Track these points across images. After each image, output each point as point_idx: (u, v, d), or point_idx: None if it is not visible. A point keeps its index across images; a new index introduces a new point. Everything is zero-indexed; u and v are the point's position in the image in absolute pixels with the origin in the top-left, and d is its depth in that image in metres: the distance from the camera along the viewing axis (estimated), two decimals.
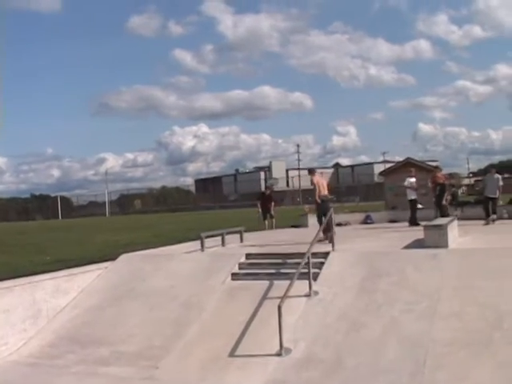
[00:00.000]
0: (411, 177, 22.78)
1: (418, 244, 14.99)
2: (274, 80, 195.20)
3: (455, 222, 16.55)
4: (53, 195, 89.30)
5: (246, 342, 11.41)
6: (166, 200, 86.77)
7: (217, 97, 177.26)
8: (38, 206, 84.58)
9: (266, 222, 24.96)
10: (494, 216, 21.77)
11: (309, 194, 70.03)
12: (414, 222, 22.19)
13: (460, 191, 52.57)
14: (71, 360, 11.89)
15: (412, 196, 22.57)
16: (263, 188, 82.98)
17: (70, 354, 12.15)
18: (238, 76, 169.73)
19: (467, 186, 79.37)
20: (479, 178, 27.67)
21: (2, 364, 11.91)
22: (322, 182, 19.02)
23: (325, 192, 18.60)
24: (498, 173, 23.07)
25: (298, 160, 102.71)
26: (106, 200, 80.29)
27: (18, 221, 63.99)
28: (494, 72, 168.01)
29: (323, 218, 17.07)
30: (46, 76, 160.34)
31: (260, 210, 25.53)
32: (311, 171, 19.30)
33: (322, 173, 21.04)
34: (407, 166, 27.77)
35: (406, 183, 22.85)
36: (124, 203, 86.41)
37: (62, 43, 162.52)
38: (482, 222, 21.57)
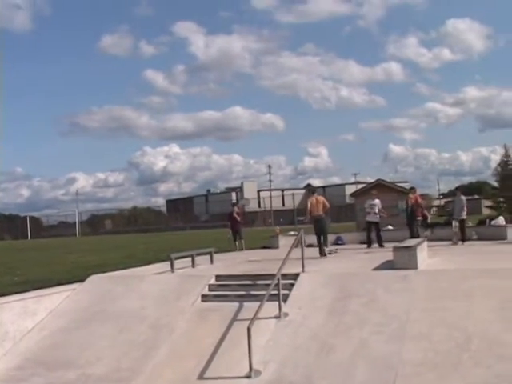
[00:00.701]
0: (372, 199, 22.83)
1: (388, 265, 15.02)
2: (246, 101, 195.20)
3: (425, 244, 16.64)
4: (22, 215, 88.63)
5: (215, 363, 11.34)
6: (137, 220, 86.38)
7: (189, 117, 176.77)
8: (6, 226, 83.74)
9: (237, 243, 24.85)
10: (460, 242, 21.98)
11: (280, 215, 70.12)
12: (369, 244, 22.42)
13: (430, 212, 52.90)
14: (38, 383, 11.71)
15: (371, 218, 22.61)
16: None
17: (37, 377, 11.97)
18: (210, 96, 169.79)
19: (437, 206, 79.97)
20: (450, 199, 27.91)
21: None
22: (315, 201, 20.21)
23: (317, 211, 20.01)
24: (463, 194, 23.26)
25: (270, 181, 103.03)
26: (77, 220, 79.79)
27: None
28: (464, 94, 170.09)
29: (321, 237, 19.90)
30: (16, 95, 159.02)
31: (230, 230, 25.42)
32: (310, 191, 21.82)
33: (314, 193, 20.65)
34: (378, 186, 27.93)
35: (365, 205, 22.99)
36: (95, 223, 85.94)
37: (33, 62, 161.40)
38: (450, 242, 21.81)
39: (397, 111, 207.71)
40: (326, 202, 20.67)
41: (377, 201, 22.73)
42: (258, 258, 20.14)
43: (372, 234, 22.71)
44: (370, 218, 22.64)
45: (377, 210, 22.53)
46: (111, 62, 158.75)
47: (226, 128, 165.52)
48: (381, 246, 21.91)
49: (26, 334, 13.72)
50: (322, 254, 19.70)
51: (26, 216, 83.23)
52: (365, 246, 22.96)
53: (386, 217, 23.03)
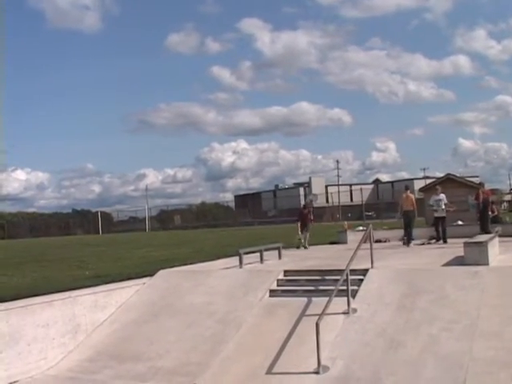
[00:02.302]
0: (437, 195, 22.51)
1: (458, 261, 14.82)
2: (313, 96, 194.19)
3: (496, 239, 16.34)
4: (94, 210, 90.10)
5: (283, 359, 11.35)
6: (205, 216, 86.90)
7: (255, 113, 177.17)
8: (79, 221, 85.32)
9: (301, 235, 24.58)
10: None
11: (348, 210, 69.72)
12: (438, 238, 22.16)
13: (502, 207, 51.94)
14: (109, 375, 11.94)
15: (439, 214, 22.31)
16: (302, 204, 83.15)
17: (108, 369, 12.20)
18: (277, 92, 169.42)
19: (509, 202, 78.41)
20: None
21: (42, 378, 12.03)
22: (405, 197, 23.16)
23: (406, 206, 22.86)
24: None
25: (338, 176, 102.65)
26: (146, 215, 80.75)
27: (59, 235, 64.66)
28: None
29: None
30: (86, 93, 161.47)
31: (299, 229, 25.03)
32: (405, 188, 24.59)
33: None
34: (447, 181, 27.52)
35: (431, 201, 22.70)
36: (164, 219, 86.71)
37: (102, 62, 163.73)
38: None
39: (466, 105, 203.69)
40: (414, 199, 23.30)
41: (442, 195, 22.42)
42: (326, 254, 20.09)
43: (439, 230, 22.45)
44: (437, 214, 22.37)
45: (443, 206, 22.23)
46: (178, 59, 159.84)
47: (293, 123, 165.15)
48: (445, 241, 21.65)
49: (97, 327, 14.00)
50: (407, 243, 22.53)
51: (97, 211, 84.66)
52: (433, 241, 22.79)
53: (452, 210, 22.67)
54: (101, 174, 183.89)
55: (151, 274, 16.36)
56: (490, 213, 23.06)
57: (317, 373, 10.69)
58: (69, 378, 12.00)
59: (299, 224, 24.52)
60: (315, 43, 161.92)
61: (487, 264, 13.91)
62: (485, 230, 20.84)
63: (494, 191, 33.69)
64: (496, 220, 25.33)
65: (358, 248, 14.05)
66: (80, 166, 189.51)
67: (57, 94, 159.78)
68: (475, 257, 14.10)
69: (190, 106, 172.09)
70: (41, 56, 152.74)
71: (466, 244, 14.83)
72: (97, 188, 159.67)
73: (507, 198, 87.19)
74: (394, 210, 61.61)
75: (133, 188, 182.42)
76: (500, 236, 18.23)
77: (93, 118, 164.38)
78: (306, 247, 23.91)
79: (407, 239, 22.78)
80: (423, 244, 22.66)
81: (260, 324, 12.97)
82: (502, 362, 10.08)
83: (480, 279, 13.01)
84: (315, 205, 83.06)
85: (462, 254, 14.71)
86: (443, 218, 22.38)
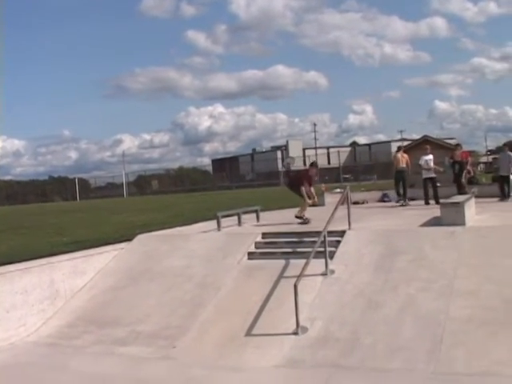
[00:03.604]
0: (427, 154, 22.53)
1: (435, 222, 14.91)
2: (289, 59, 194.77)
3: (473, 200, 16.44)
4: (71, 177, 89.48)
5: (262, 321, 11.41)
6: (183, 180, 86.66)
7: (232, 77, 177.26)
8: (56, 188, 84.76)
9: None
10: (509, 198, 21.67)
11: (326, 172, 69.81)
12: (427, 201, 22.09)
13: (478, 169, 52.29)
14: (89, 340, 11.94)
15: (428, 175, 22.32)
16: (280, 167, 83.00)
17: (88, 334, 12.21)
18: (252, 56, 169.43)
19: (485, 163, 78.92)
20: (497, 156, 27.63)
21: (21, 345, 12.00)
22: (400, 156, 23.57)
23: (401, 165, 23.33)
24: (510, 150, 22.83)
25: (315, 139, 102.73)
26: (124, 181, 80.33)
27: (36, 203, 64.27)
28: (511, 48, 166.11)
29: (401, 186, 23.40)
30: (61, 59, 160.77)
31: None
32: (397, 148, 25.37)
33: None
34: (424, 143, 27.58)
35: (421, 162, 22.62)
36: (141, 184, 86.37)
37: (76, 27, 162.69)
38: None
39: (442, 67, 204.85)
40: (408, 159, 23.57)
41: (431, 156, 22.46)
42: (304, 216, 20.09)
43: (429, 190, 22.47)
44: (427, 175, 22.36)
45: (432, 166, 22.26)
46: (153, 23, 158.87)
47: (270, 87, 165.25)
48: (438, 203, 21.62)
49: (76, 293, 13.97)
50: (402, 203, 23.06)
51: (74, 178, 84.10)
52: (411, 202, 22.87)
53: (440, 172, 22.73)
54: (77, 141, 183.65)
55: (129, 239, 16.32)
56: (466, 174, 23.16)
57: (296, 334, 10.76)
58: (48, 344, 11.99)
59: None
60: (291, 6, 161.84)
61: (464, 224, 14.00)
62: (461, 191, 20.92)
63: (470, 153, 33.72)
64: (472, 181, 25.50)
65: (335, 210, 14.08)
66: (56, 132, 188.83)
67: (31, 61, 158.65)
68: (452, 217, 14.19)
69: (166, 71, 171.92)
70: (13, 22, 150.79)
71: (442, 205, 14.94)
72: (73, 154, 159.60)
73: (483, 159, 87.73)
74: (372, 173, 61.98)
75: (110, 154, 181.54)
76: (476, 197, 18.34)
77: (68, 83, 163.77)
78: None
79: (403, 198, 23.22)
80: (402, 205, 22.80)
81: (239, 287, 13.00)
82: (478, 320, 10.20)
83: (457, 239, 13.10)
84: (293, 168, 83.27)
85: (439, 214, 14.80)
86: (434, 178, 22.40)
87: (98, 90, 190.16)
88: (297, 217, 17.40)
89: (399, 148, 25.51)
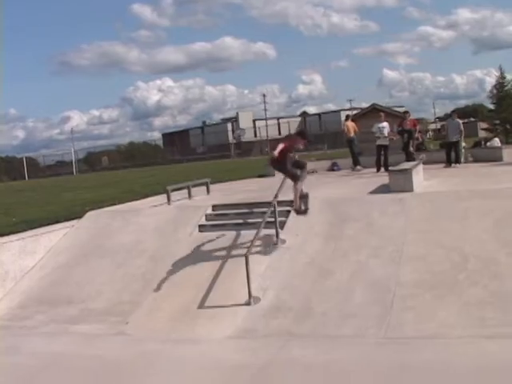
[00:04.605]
0: (381, 122, 22.62)
1: (384, 189, 15.05)
2: (236, 31, 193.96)
3: (420, 166, 16.63)
4: (18, 156, 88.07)
5: (214, 293, 11.46)
6: (133, 156, 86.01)
7: (179, 50, 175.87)
8: (3, 168, 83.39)
9: None
10: (457, 164, 21.92)
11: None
12: (379, 168, 22.22)
13: (427, 136, 52.87)
14: (41, 320, 11.84)
15: (381, 142, 22.41)
16: (231, 139, 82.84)
17: (40, 314, 12.09)
18: (200, 28, 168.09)
19: (433, 130, 79.84)
20: (445, 123, 27.97)
21: None
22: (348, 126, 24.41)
23: (349, 134, 24.10)
24: (459, 117, 23.08)
25: (265, 110, 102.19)
26: (73, 158, 79.32)
27: None
28: (456, 16, 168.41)
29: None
30: (5, 36, 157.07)
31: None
32: (345, 117, 26.25)
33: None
34: (373, 111, 27.78)
35: (374, 129, 22.69)
36: (92, 161, 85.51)
37: (18, 2, 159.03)
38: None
39: (389, 36, 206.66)
40: (356, 127, 24.54)
41: (385, 123, 22.54)
42: (254, 187, 20.17)
43: (381, 158, 22.55)
44: (380, 142, 22.45)
45: (386, 133, 22.37)
46: None
47: (218, 59, 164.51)
48: (387, 170, 21.80)
49: (26, 273, 13.80)
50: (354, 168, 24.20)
51: (22, 157, 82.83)
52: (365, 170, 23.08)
53: (395, 139, 22.85)
54: (24, 119, 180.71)
55: (80, 217, 16.15)
56: (415, 141, 23.37)
57: (248, 304, 10.84)
58: None
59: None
60: None
61: (412, 191, 14.18)
62: (409, 159, 21.09)
63: (419, 120, 34.08)
64: (421, 148, 25.76)
65: (284, 180, 14.09)
66: (2, 111, 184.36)
67: None
68: (400, 184, 14.35)
69: (112, 46, 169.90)
70: None
71: (390, 172, 15.10)
72: (21, 133, 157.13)
73: (432, 126, 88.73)
74: (322, 142, 62.21)
75: (58, 131, 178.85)
76: (425, 163, 18.53)
77: (13, 61, 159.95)
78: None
79: (353, 163, 24.57)
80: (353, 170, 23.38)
81: (190, 260, 12.96)
82: (427, 284, 10.40)
83: (405, 205, 13.28)
84: (243, 139, 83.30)
85: (387, 182, 14.95)
86: (386, 146, 22.45)
87: (43, 67, 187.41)
88: (297, 212, 13.08)
89: (347, 117, 26.24)
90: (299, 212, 12.96)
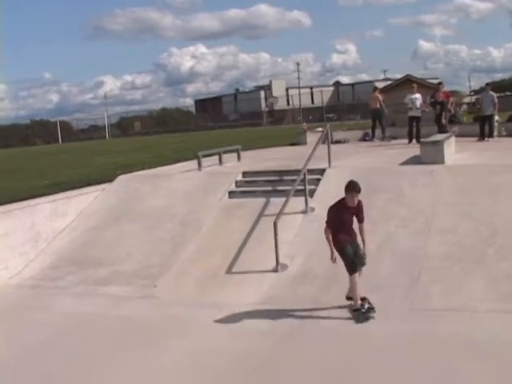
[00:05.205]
0: (413, 93, 22.38)
1: (415, 160, 14.96)
2: None
3: (452, 139, 16.48)
4: (52, 120, 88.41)
5: (242, 259, 11.56)
6: (166, 121, 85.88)
7: (214, 16, 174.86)
8: (38, 132, 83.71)
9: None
10: (490, 138, 21.65)
11: (309, 112, 69.68)
12: (410, 139, 22.02)
13: (461, 109, 52.25)
14: (71, 281, 12.05)
15: (413, 113, 22.20)
16: (263, 107, 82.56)
17: (70, 275, 12.30)
18: None
19: (468, 104, 78.84)
20: (479, 96, 27.59)
21: (4, 287, 12.07)
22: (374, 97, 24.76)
23: (373, 106, 24.43)
24: (493, 90, 22.73)
25: (298, 78, 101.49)
26: (106, 123, 79.50)
27: (18, 147, 63.79)
28: None
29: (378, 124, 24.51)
30: (39, 1, 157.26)
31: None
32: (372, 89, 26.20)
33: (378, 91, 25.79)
34: (407, 82, 27.48)
35: (406, 100, 22.48)
36: (124, 126, 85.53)
37: None
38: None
39: (426, 7, 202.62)
40: (381, 97, 24.66)
41: (418, 95, 22.26)
42: (285, 155, 20.14)
43: (413, 129, 22.31)
44: (412, 113, 22.24)
45: (418, 105, 22.16)
46: None
47: (253, 26, 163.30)
48: (419, 142, 21.60)
49: (58, 235, 14.02)
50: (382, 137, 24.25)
51: (56, 121, 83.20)
52: (392, 141, 22.94)
53: (427, 111, 22.62)
54: (58, 83, 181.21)
55: (111, 180, 16.30)
56: (447, 113, 23.08)
57: (275, 271, 10.92)
58: (31, 286, 12.07)
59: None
60: None
61: (443, 163, 14.08)
62: (442, 131, 20.89)
63: (453, 93, 33.60)
64: (453, 120, 25.47)
65: (315, 148, 14.10)
66: (37, 75, 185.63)
67: (8, 2, 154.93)
68: (431, 156, 14.24)
69: (146, 11, 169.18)
70: None
71: (422, 143, 14.99)
72: (55, 97, 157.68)
73: (467, 100, 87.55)
74: (355, 112, 61.82)
75: (91, 96, 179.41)
76: (457, 136, 18.37)
77: (48, 25, 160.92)
78: None
79: (382, 134, 24.51)
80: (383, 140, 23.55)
81: (219, 225, 13.09)
82: (455, 257, 10.37)
83: (435, 178, 13.21)
84: (276, 107, 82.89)
85: (418, 153, 14.86)
86: (418, 117, 22.18)
87: (77, 32, 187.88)
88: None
89: (375, 88, 26.15)
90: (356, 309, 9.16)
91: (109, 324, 9.74)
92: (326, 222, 9.40)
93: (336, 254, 9.32)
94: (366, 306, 9.11)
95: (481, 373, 6.97)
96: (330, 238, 9.30)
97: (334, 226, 9.30)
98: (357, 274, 9.11)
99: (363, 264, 9.34)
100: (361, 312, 9.03)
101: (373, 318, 8.93)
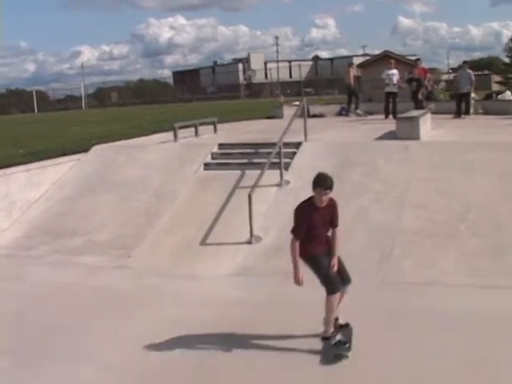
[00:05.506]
0: (390, 69, 22.40)
1: (390, 136, 15.05)
2: None
3: (428, 115, 16.57)
4: (28, 89, 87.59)
5: (217, 230, 11.60)
6: (143, 93, 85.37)
7: None
8: (13, 101, 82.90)
9: None
10: (467, 116, 21.77)
11: (287, 86, 69.49)
12: (387, 115, 22.06)
13: (439, 87, 52.38)
14: (46, 250, 12.01)
15: (389, 89, 22.23)
16: (241, 80, 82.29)
17: (44, 244, 12.26)
18: None
19: (446, 81, 79.03)
20: (456, 74, 27.55)
21: None
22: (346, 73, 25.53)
23: (349, 80, 25.03)
24: (471, 68, 22.82)
25: (277, 52, 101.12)
26: (83, 93, 78.74)
27: None
28: None
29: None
30: None
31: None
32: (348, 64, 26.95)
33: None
34: (385, 58, 27.50)
35: (383, 75, 22.49)
36: (101, 96, 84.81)
37: None
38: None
39: None
40: (355, 72, 25.92)
41: (395, 71, 22.27)
42: (261, 128, 20.13)
43: (390, 105, 22.36)
44: (389, 89, 22.26)
45: (395, 81, 22.18)
46: None
47: None
48: (395, 117, 21.64)
49: (32, 204, 13.95)
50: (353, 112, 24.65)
51: (32, 90, 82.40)
52: (368, 116, 23.01)
53: (404, 87, 22.65)
54: (34, 52, 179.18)
55: (86, 150, 16.21)
56: (424, 90, 23.14)
57: (249, 243, 10.99)
58: (5, 255, 12.01)
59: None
60: None
61: (418, 139, 14.18)
62: (418, 107, 20.95)
63: (431, 70, 33.66)
64: (430, 97, 25.53)
65: (291, 121, 14.13)
66: (12, 43, 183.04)
67: None
68: (407, 131, 14.34)
69: None
70: None
71: (398, 119, 15.10)
72: (31, 67, 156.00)
73: (445, 77, 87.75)
74: (333, 87, 61.76)
75: (68, 66, 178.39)
76: (434, 113, 18.45)
77: None
78: None
79: (353, 108, 24.99)
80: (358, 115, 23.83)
81: (194, 197, 13.12)
82: (427, 232, 10.50)
83: (411, 153, 13.31)
84: (254, 81, 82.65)
85: (394, 129, 14.93)
86: (395, 93, 22.20)
87: (55, 0, 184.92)
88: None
89: (349, 64, 27.01)
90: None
91: (83, 293, 9.73)
92: (293, 230, 7.26)
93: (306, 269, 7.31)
94: (338, 337, 7.20)
95: (454, 344, 7.07)
96: (297, 252, 7.19)
97: (303, 233, 7.17)
98: (337, 295, 7.20)
99: (349, 280, 7.53)
100: (330, 344, 7.14)
101: (346, 357, 6.95)
